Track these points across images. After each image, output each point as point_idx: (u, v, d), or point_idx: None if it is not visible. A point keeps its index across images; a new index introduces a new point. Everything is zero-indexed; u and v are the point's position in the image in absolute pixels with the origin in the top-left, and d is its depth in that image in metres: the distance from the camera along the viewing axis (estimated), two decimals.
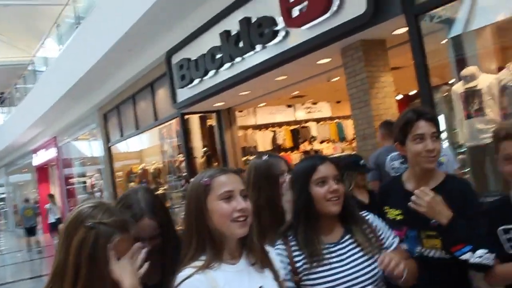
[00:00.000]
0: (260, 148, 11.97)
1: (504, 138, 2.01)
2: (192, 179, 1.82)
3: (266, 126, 12.36)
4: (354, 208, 2.03)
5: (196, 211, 1.68)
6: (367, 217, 2.06)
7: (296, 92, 10.11)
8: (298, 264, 1.90)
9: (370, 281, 1.88)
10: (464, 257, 1.96)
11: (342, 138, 13.05)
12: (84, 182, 18.18)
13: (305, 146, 12.61)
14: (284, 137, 12.43)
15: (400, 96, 11.30)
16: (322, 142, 12.93)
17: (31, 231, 16.44)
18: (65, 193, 18.94)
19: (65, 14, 13.52)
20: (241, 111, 11.19)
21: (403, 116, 2.23)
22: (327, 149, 12.60)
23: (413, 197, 2.01)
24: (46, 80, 14.96)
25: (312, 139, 12.84)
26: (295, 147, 12.49)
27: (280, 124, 12.55)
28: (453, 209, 2.02)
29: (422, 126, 2.12)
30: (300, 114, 12.98)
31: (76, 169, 18.86)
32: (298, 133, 12.65)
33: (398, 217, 2.22)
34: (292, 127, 12.65)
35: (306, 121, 12.98)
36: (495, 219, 2.05)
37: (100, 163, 15.13)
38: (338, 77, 7.43)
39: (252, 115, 12.19)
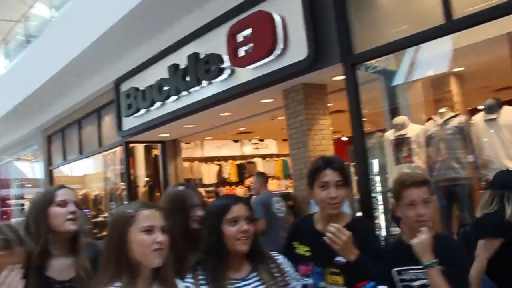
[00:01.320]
0: (206, 181, 12.02)
1: (409, 186, 2.19)
2: (116, 209, 1.93)
3: (212, 159, 12.44)
4: (262, 247, 2.15)
5: (118, 239, 1.79)
6: (277, 258, 2.18)
7: (242, 128, 10.29)
8: None
9: None
10: None
11: (287, 175, 13.24)
12: (22, 205, 17.54)
13: (250, 181, 12.71)
14: (229, 171, 12.53)
15: (345, 138, 11.69)
16: None
17: None
18: (0, 214, 18.18)
19: (16, 30, 13.30)
20: (188, 143, 11.25)
21: (313, 164, 2.39)
22: (272, 186, 12.72)
23: (329, 234, 2.11)
24: None
25: None
26: (240, 181, 12.59)
27: (226, 158, 12.67)
28: (359, 248, 2.16)
29: (328, 174, 2.28)
30: (247, 149, 13.16)
31: (14, 190, 18.18)
32: (244, 168, 12.78)
33: (307, 254, 2.35)
34: (238, 162, 12.78)
35: (253, 156, 13.15)
36: (391, 260, 2.22)
37: (40, 185, 14.69)
38: (283, 117, 7.64)
39: (199, 148, 12.28)
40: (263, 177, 6.39)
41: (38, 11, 12.11)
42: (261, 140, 13.24)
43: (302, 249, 2.38)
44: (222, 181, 12.32)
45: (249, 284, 2.04)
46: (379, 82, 5.80)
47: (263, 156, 13.30)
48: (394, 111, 5.70)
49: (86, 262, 2.19)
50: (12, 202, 18.21)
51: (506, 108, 4.82)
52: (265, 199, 5.86)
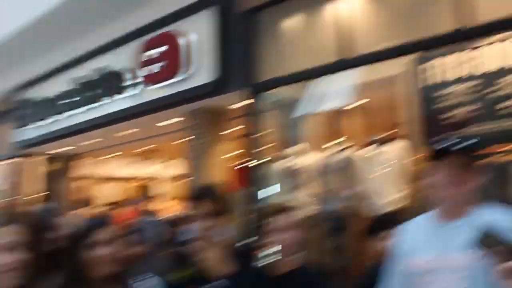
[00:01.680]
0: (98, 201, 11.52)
1: (274, 213, 2.30)
2: None
3: (114, 179, 12.02)
4: None
5: None
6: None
7: (147, 147, 10.09)
8: None
9: None
10: None
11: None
12: None
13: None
14: (132, 191, 12.16)
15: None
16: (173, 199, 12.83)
17: None
18: None
19: None
20: (86, 159, 10.79)
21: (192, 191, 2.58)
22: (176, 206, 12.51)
23: None
24: None
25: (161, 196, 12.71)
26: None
27: (128, 178, 12.30)
28: None
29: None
30: (151, 169, 12.87)
31: None
32: (147, 189, 12.46)
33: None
34: (141, 183, 12.46)
35: (160, 176, 12.87)
36: None
37: None
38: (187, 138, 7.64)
39: (98, 165, 11.79)
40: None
41: None
42: (167, 160, 13.02)
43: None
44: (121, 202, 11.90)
45: None
46: (280, 112, 5.95)
47: (173, 178, 13.05)
48: (293, 140, 5.86)
49: None
50: None
51: (392, 144, 5.11)
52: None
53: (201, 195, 2.37)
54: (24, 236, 1.76)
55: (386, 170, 5.00)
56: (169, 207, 12.31)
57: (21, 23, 6.61)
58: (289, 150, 5.61)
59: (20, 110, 8.33)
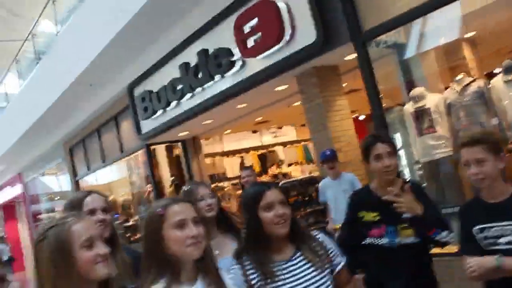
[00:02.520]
0: (229, 174, 12.04)
1: (462, 145, 2.28)
2: (146, 210, 1.95)
3: (233, 153, 12.44)
4: (301, 227, 2.22)
5: (153, 239, 1.80)
6: (317, 236, 2.23)
7: (259, 118, 10.29)
8: (253, 282, 2.05)
9: None
10: (438, 237, 2.46)
11: (309, 160, 13.23)
12: None
13: (273, 170, 12.73)
14: (252, 162, 12.54)
15: (362, 116, 11.62)
16: (290, 165, 13.09)
17: None
18: (34, 230, 18.54)
19: (25, 49, 13.45)
20: (207, 139, 11.29)
21: (364, 141, 2.73)
22: (295, 172, 12.75)
23: (388, 197, 2.47)
24: (8, 117, 14.76)
25: (280, 162, 12.99)
26: (263, 171, 12.60)
27: (247, 150, 12.66)
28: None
29: (379, 148, 2.60)
30: (266, 138, 13.14)
31: (44, 205, 18.51)
32: (266, 158, 12.78)
33: (376, 218, 2.65)
34: (259, 152, 12.78)
35: (273, 145, 13.13)
36: (469, 219, 2.31)
37: (68, 197, 14.87)
38: (299, 102, 7.64)
39: (219, 142, 12.29)
40: (247, 168, 6.30)
41: (44, 28, 12.23)
42: (280, 128, 13.20)
43: (370, 216, 2.68)
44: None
45: (295, 264, 2.09)
46: (392, 57, 5.73)
47: (283, 144, 13.27)
48: (410, 84, 5.63)
49: (124, 261, 2.25)
50: (43, 216, 18.58)
51: None
52: None
53: (377, 138, 2.67)
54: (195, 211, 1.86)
55: None
56: (292, 171, 12.62)
57: (124, 19, 6.90)
58: (411, 93, 5.37)
59: (138, 103, 8.81)
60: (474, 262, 2.14)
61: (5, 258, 17.62)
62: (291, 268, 2.08)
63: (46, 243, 1.56)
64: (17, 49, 13.87)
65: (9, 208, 21.98)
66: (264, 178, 12.30)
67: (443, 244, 2.52)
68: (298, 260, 2.11)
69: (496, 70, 5.92)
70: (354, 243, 2.75)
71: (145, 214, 1.91)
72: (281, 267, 2.07)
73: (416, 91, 5.40)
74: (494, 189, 2.24)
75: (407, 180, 2.92)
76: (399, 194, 2.45)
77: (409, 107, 5.45)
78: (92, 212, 2.25)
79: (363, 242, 2.70)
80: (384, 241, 2.62)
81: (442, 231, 2.46)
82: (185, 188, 2.80)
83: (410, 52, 5.62)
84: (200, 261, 1.83)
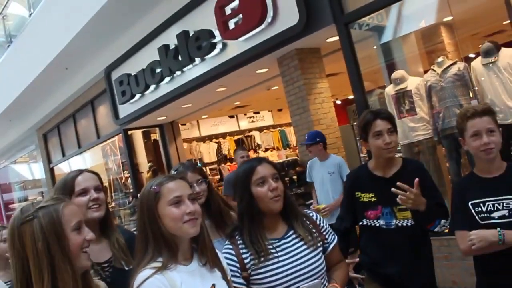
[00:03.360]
0: (206, 160, 12.02)
1: (471, 117, 2.26)
2: (142, 189, 1.90)
3: (210, 138, 12.42)
4: (294, 204, 2.18)
5: (149, 217, 1.76)
6: (310, 214, 2.21)
7: (237, 103, 10.27)
8: (246, 261, 2.01)
9: (314, 271, 2.03)
10: (436, 229, 2.45)
11: (286, 145, 13.29)
12: None
13: (250, 155, 12.71)
14: (228, 147, 12.53)
15: (338, 101, 11.71)
16: (266, 150, 13.13)
17: None
18: (5, 219, 18.18)
19: None
20: (184, 124, 11.22)
21: (363, 118, 2.62)
22: (272, 157, 12.77)
23: (400, 196, 2.34)
24: None
25: (257, 147, 13.01)
26: None
27: (224, 135, 12.65)
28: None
29: (379, 124, 2.53)
30: (243, 123, 13.15)
31: (16, 193, 18.15)
32: (243, 143, 12.77)
33: (373, 199, 2.60)
34: (236, 137, 12.78)
35: (250, 130, 13.14)
36: (465, 194, 2.31)
37: (42, 185, 14.66)
38: (277, 86, 7.64)
39: (196, 128, 12.25)
40: (243, 149, 6.30)
41: (15, 10, 11.90)
42: (257, 112, 13.22)
43: (366, 197, 2.62)
44: (222, 158, 12.33)
45: (288, 242, 2.07)
46: (373, 39, 5.77)
47: (260, 129, 13.29)
48: (391, 67, 5.68)
49: (120, 241, 2.21)
50: (16, 205, 18.22)
51: (504, 50, 4.79)
52: None
53: (377, 114, 2.58)
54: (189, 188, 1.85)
55: (500, 78, 4.71)
56: (269, 156, 12.65)
57: (101, 1, 6.76)
58: (392, 76, 5.42)
59: (116, 87, 8.67)
60: (475, 235, 2.13)
61: None
62: (284, 246, 2.05)
63: (37, 224, 1.49)
64: None
65: None
66: None
67: (437, 232, 2.52)
68: (291, 238, 2.08)
69: (472, 55, 6.01)
70: (348, 226, 2.74)
71: (141, 192, 1.87)
72: (274, 245, 2.04)
73: (397, 73, 5.45)
74: (494, 163, 2.26)
75: (407, 158, 2.91)
76: (409, 189, 2.32)
77: (390, 90, 5.49)
78: (85, 191, 2.17)
79: (359, 223, 2.66)
80: (380, 222, 2.56)
81: (441, 220, 2.44)
82: (173, 170, 2.67)
83: (391, 35, 5.67)
84: (196, 239, 1.81)
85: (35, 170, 15.45)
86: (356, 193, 2.67)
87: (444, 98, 5.00)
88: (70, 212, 1.56)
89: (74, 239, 1.53)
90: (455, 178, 5.12)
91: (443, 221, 2.44)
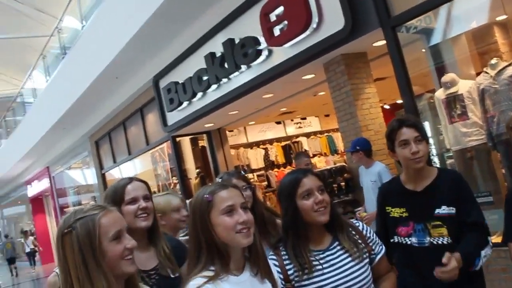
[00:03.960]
0: (253, 166, 12.02)
1: (400, 127, 2.26)
2: (194, 195, 1.90)
3: (257, 144, 12.41)
4: (339, 215, 2.14)
5: (201, 226, 1.76)
6: (356, 224, 2.16)
7: (284, 109, 10.24)
8: (289, 272, 2.00)
9: (360, 284, 1.98)
10: (479, 266, 2.22)
11: (333, 151, 13.12)
12: None
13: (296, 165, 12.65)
14: (276, 153, 12.49)
15: (387, 106, 11.48)
16: (314, 156, 13.00)
17: (11, 261, 20.76)
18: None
19: (50, 45, 13.64)
20: (231, 131, 11.29)
21: (388, 126, 2.48)
22: (320, 163, 12.64)
23: (440, 274, 2.10)
24: (35, 112, 15.01)
25: None
26: (287, 162, 12.55)
27: (271, 141, 12.62)
28: (452, 198, 2.28)
29: (405, 132, 2.35)
30: (290, 129, 13.07)
31: (71, 198, 18.80)
32: (290, 149, 12.72)
33: (404, 214, 2.41)
34: (284, 143, 12.72)
35: (297, 136, 13.05)
36: None
37: (94, 190, 15.13)
38: (324, 92, 7.56)
39: (243, 134, 12.27)
40: (306, 155, 6.24)
41: (69, 23, 12.36)
42: (304, 118, 13.12)
43: (396, 212, 2.45)
44: (270, 164, 12.31)
45: (333, 254, 2.03)
46: (422, 42, 5.62)
47: (307, 135, 13.19)
48: (441, 70, 5.51)
49: (166, 249, 2.23)
50: (71, 209, 18.88)
51: None
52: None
53: (402, 122, 2.43)
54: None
55: None
56: (316, 162, 12.55)
57: (148, 11, 6.91)
58: (442, 79, 5.26)
59: (164, 95, 8.84)
60: None
61: (27, 250, 20.94)
62: (329, 258, 2.02)
63: (75, 236, 1.52)
64: (42, 45, 14.07)
65: (37, 202, 22.41)
66: (289, 169, 12.26)
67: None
68: (336, 249, 2.04)
69: None
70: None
71: (193, 199, 1.86)
72: (319, 257, 2.02)
73: (448, 77, 5.28)
74: None
75: (442, 168, 2.77)
76: (449, 263, 2.09)
77: (440, 94, 5.33)
78: (134, 200, 2.22)
79: (391, 240, 2.45)
80: (412, 240, 2.36)
81: (480, 253, 2.21)
82: (218, 178, 2.71)
83: (440, 37, 5.50)
84: (249, 248, 1.80)
85: (88, 176, 15.96)
86: (387, 207, 2.50)
87: (498, 102, 4.80)
88: (108, 222, 1.57)
89: (113, 249, 1.54)
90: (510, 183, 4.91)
91: (483, 251, 2.22)
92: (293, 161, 12.41)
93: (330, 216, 2.05)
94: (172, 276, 2.17)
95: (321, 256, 2.02)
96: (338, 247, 2.05)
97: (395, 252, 2.44)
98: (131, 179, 2.31)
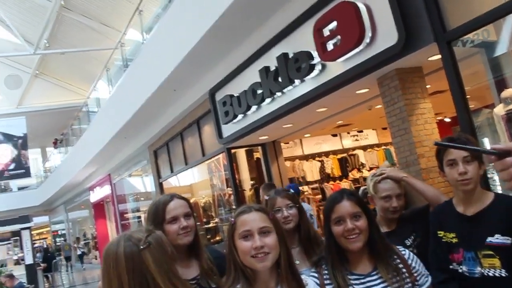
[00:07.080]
0: (309, 178, 11.99)
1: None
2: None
3: (313, 156, 12.36)
4: (380, 241, 2.10)
5: (229, 245, 1.87)
6: (402, 252, 2.13)
7: (340, 122, 10.18)
8: None
9: None
10: None
11: (391, 164, 12.87)
12: (139, 217, 18.74)
13: (354, 174, 12.52)
14: (332, 166, 12.40)
15: (447, 119, 11.15)
16: (371, 169, 12.80)
17: (68, 259, 26.40)
18: (120, 228, 19.50)
19: (114, 57, 14.27)
20: (287, 143, 11.33)
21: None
22: None
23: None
24: (99, 121, 15.68)
25: (361, 166, 12.76)
26: (343, 175, 12.44)
27: (327, 153, 12.54)
28: (507, 225, 2.07)
29: (453, 152, 2.22)
30: (347, 142, 12.95)
31: (130, 204, 19.41)
32: (346, 161, 12.60)
33: (454, 240, 2.27)
34: (340, 156, 12.61)
35: (353, 149, 12.92)
36: None
37: (152, 198, 15.55)
38: (380, 105, 7.46)
39: (299, 146, 12.26)
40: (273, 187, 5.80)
41: (131, 36, 12.88)
42: (360, 131, 12.97)
43: (447, 237, 2.31)
44: (325, 177, 12.23)
45: (374, 280, 2.02)
46: (480, 56, 5.45)
47: (364, 148, 13.03)
48: (501, 84, 5.32)
49: (209, 262, 2.31)
50: (129, 215, 19.50)
51: None
52: None
53: (451, 141, 2.31)
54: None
55: None
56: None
57: (205, 27, 7.10)
58: (502, 94, 5.08)
59: (219, 108, 9.02)
60: None
61: (78, 252, 26.65)
62: (369, 284, 2.01)
63: (153, 249, 1.62)
64: (106, 58, 14.74)
65: (99, 207, 23.28)
66: (345, 183, 12.15)
67: None
68: (377, 276, 2.02)
69: None
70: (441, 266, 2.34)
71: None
72: (358, 281, 2.01)
73: (508, 92, 5.11)
74: None
75: (501, 193, 2.51)
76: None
77: (500, 110, 5.16)
78: (175, 219, 2.26)
79: (450, 266, 2.28)
80: (463, 269, 2.20)
81: None
82: (266, 197, 2.73)
83: (499, 50, 5.32)
84: (279, 269, 1.84)
85: (147, 183, 16.44)
86: (439, 232, 2.35)
87: None
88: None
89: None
90: None
91: None
92: (349, 173, 12.32)
93: (369, 241, 2.05)
94: (213, 287, 2.23)
95: (362, 281, 2.02)
96: (379, 274, 2.03)
97: (453, 281, 2.26)
98: (172, 197, 2.35)
